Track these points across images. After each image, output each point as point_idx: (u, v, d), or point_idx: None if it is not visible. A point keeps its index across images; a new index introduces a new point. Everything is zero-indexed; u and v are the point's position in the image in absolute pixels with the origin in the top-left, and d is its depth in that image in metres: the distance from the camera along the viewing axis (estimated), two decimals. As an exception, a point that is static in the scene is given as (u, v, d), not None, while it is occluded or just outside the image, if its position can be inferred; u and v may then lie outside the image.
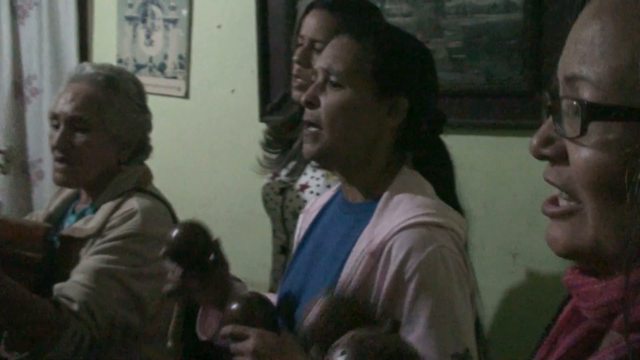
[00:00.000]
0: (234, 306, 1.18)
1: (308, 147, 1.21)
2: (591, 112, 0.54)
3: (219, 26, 2.53)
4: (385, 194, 1.17)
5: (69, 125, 1.61)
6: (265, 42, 2.40)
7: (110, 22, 2.76)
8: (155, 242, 1.56)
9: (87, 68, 1.69)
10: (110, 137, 1.64)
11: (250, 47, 2.43)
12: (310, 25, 1.65)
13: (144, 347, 1.62)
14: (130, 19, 2.70)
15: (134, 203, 1.61)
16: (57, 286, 1.52)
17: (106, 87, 1.64)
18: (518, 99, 1.95)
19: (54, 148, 1.62)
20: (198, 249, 1.29)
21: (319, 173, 1.69)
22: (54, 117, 1.64)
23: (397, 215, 1.13)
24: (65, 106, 1.61)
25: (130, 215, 1.59)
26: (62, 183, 1.65)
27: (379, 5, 2.07)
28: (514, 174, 1.96)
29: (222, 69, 2.55)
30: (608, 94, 0.54)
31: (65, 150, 1.60)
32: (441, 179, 1.27)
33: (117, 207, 1.61)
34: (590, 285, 0.59)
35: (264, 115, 2.43)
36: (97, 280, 1.51)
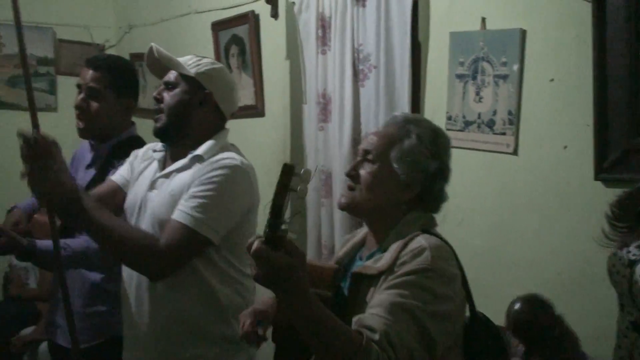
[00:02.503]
0: None
1: None
2: None
3: (551, 80, 2.44)
4: None
5: (363, 156, 1.77)
6: (603, 95, 2.24)
7: (441, 80, 2.84)
8: (445, 280, 1.58)
9: (397, 114, 1.86)
10: (391, 173, 1.71)
11: (585, 100, 2.29)
12: None
13: None
14: (460, 76, 2.74)
15: (421, 241, 1.64)
16: (355, 318, 1.55)
17: (401, 127, 1.76)
18: None
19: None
20: (540, 325, 1.20)
21: None
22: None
23: None
24: (366, 141, 1.81)
25: (419, 252, 1.60)
26: (344, 207, 1.77)
27: None
28: None
29: (554, 124, 2.44)
30: None
31: (352, 177, 1.75)
32: None
33: (405, 245, 1.65)
34: None
35: (599, 173, 2.25)
36: (393, 313, 1.52)
